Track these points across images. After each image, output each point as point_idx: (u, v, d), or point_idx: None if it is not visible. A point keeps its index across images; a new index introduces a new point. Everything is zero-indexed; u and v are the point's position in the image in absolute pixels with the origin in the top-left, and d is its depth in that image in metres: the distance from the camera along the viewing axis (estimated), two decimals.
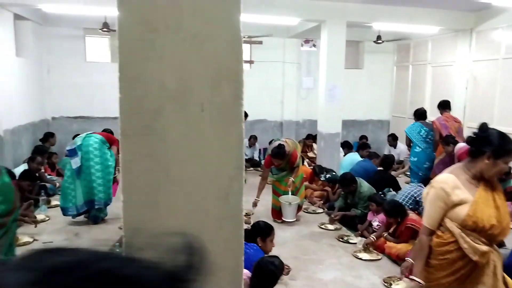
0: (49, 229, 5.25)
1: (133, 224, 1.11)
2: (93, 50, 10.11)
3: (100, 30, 8.01)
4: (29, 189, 5.69)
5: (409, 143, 6.32)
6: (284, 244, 4.66)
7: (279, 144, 5.41)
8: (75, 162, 5.11)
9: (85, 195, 5.19)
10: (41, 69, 8.59)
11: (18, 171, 5.99)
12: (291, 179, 5.38)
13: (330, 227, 5.33)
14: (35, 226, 5.12)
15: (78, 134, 5.78)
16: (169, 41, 1.06)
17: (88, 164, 5.10)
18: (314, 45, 9.51)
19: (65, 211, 5.27)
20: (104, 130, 6.51)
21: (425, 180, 5.53)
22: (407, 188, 5.42)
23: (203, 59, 1.09)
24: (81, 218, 5.60)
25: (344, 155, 7.77)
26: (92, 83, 9.00)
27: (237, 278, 1.20)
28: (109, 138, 5.33)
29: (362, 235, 5.02)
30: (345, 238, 4.96)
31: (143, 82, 1.05)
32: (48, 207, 5.94)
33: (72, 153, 5.14)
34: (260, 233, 3.46)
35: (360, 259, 4.43)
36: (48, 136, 7.57)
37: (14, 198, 2.38)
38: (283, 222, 5.39)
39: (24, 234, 5.02)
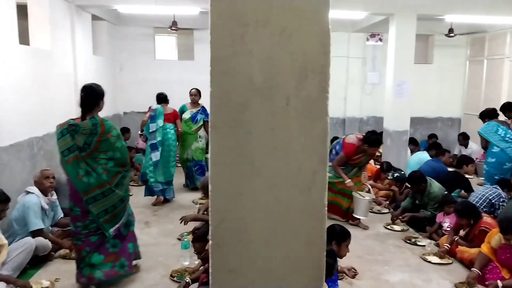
0: None
1: (219, 213, 1.15)
2: (162, 48, 10.55)
3: (169, 29, 8.32)
4: None
5: (486, 144, 5.89)
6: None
7: (373, 131, 5.31)
8: (155, 156, 5.96)
9: (163, 179, 6.08)
10: (114, 66, 9.12)
11: None
12: (364, 173, 5.22)
13: (396, 228, 5.16)
14: None
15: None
16: (258, 35, 1.08)
17: (168, 155, 6.11)
18: (380, 39, 9.22)
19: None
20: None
21: (503, 182, 5.16)
22: (481, 190, 5.10)
23: (290, 52, 1.10)
24: (150, 210, 5.92)
25: (410, 153, 7.47)
26: (160, 80, 9.39)
27: (319, 273, 1.20)
28: (175, 114, 6.35)
29: (431, 238, 4.81)
30: (413, 240, 4.78)
31: (232, 76, 1.08)
32: None
33: (153, 147, 5.98)
34: (335, 237, 3.38)
35: (429, 262, 4.24)
36: (124, 132, 8.09)
37: (127, 156, 3.69)
38: (348, 221, 5.29)
39: None
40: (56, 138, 3.51)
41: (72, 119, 3.48)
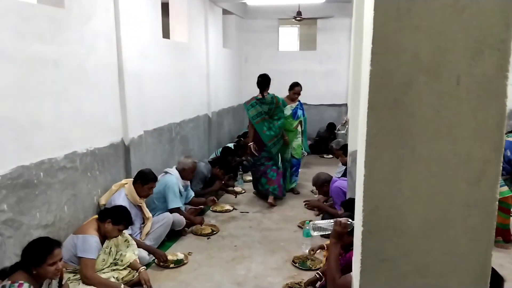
0: (245, 201, 5.87)
1: (373, 200, 1.10)
2: (284, 39, 10.70)
3: (293, 19, 8.39)
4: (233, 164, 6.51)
5: None
6: None
7: None
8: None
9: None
10: (240, 58, 9.55)
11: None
12: None
13: None
14: (235, 197, 5.81)
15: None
16: (426, 9, 0.99)
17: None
18: None
19: None
20: None
21: None
22: None
23: (463, 27, 0.98)
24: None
25: None
26: (282, 71, 9.56)
27: (483, 274, 1.08)
28: None
29: None
30: None
31: (395, 54, 1.01)
32: (244, 182, 6.65)
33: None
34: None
35: None
36: None
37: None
38: None
39: (226, 202, 5.73)
40: (245, 109, 5.73)
41: (255, 96, 5.64)
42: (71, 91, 3.56)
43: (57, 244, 2.59)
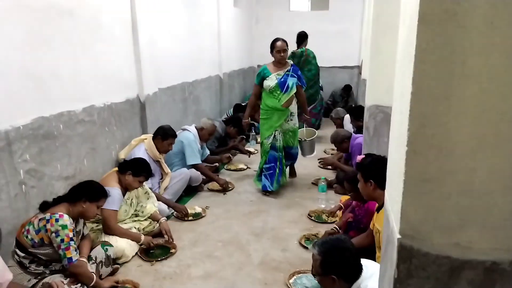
0: (258, 160, 5.88)
1: (420, 118, 1.08)
2: None
3: None
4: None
5: None
6: None
7: None
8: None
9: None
10: (250, 19, 9.34)
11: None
12: None
13: None
14: (249, 156, 5.83)
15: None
16: None
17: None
18: None
19: None
20: None
21: None
22: None
23: None
24: None
25: None
26: (293, 31, 9.35)
27: None
28: None
29: None
30: None
31: None
32: (256, 143, 6.65)
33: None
34: None
35: None
36: None
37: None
38: None
39: (240, 162, 5.76)
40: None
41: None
42: (87, 43, 3.52)
43: None
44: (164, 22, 4.95)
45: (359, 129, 4.94)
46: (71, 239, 2.51)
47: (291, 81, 4.41)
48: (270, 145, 4.54)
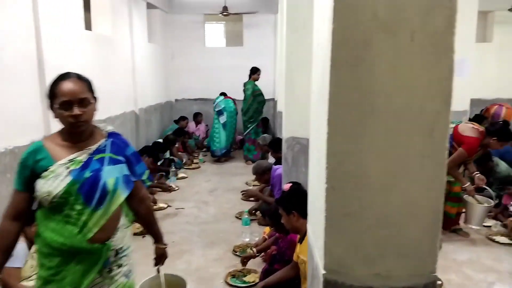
0: (179, 197, 5.74)
1: (336, 156, 1.13)
2: (211, 36, 10.64)
3: (220, 15, 8.37)
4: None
5: None
6: None
7: (504, 121, 4.34)
8: (222, 119, 7.69)
9: (227, 142, 7.81)
10: (166, 54, 9.31)
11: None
12: (477, 174, 4.09)
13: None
14: (169, 192, 5.67)
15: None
16: None
17: (231, 121, 7.74)
18: None
19: (212, 153, 7.93)
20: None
21: None
22: None
23: None
24: (207, 191, 6.04)
25: None
26: (210, 67, 9.51)
27: (436, 219, 1.16)
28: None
29: (496, 218, 4.61)
30: None
31: (355, 11, 1.05)
32: (177, 179, 6.50)
33: (219, 113, 7.71)
34: None
35: (498, 242, 4.09)
36: (180, 120, 8.51)
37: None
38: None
39: (160, 200, 5.56)
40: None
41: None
42: None
43: None
44: (74, 60, 4.72)
45: (278, 161, 5.07)
46: None
47: (110, 173, 1.86)
48: None
